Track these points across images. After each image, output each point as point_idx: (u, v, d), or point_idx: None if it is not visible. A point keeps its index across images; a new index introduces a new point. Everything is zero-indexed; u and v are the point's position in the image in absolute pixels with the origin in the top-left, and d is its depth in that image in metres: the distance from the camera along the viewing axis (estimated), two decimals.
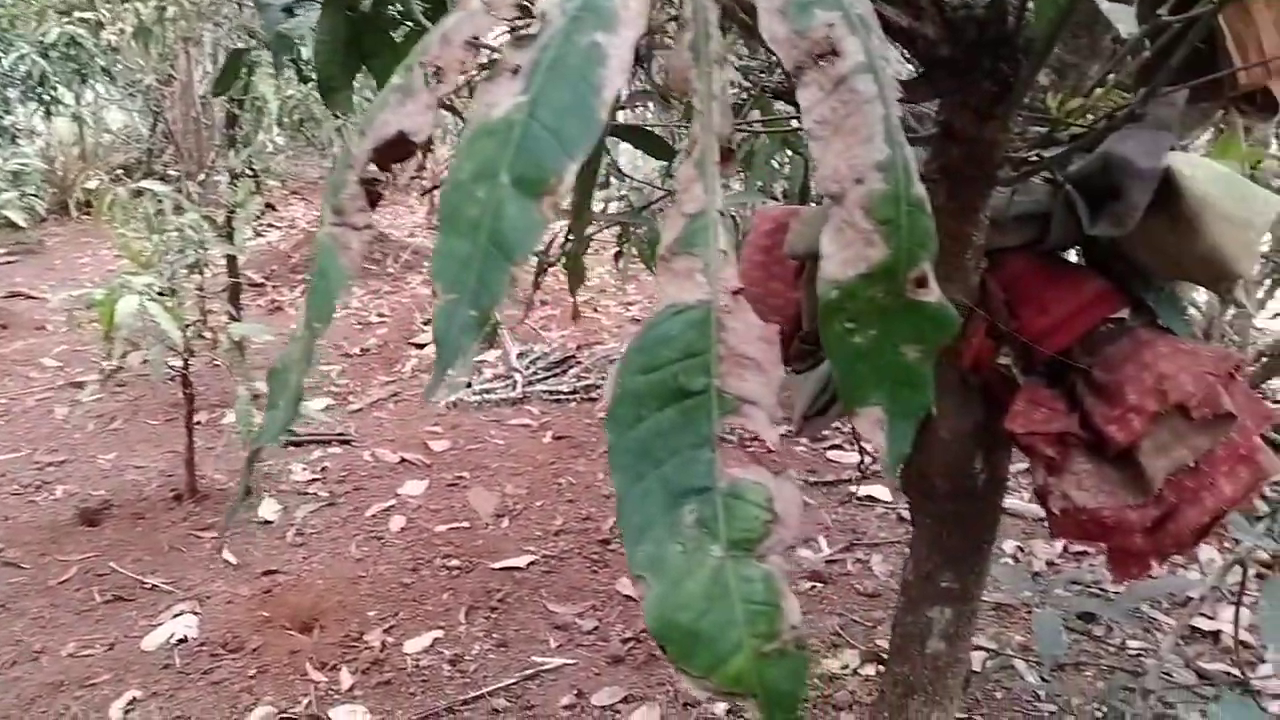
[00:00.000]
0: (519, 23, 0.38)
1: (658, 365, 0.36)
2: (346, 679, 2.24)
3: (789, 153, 2.49)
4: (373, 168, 0.43)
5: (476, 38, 0.40)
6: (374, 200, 0.44)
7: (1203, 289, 1.00)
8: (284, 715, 2.12)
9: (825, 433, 3.59)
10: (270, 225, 6.93)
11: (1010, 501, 3.06)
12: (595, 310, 5.01)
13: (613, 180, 2.66)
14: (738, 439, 0.35)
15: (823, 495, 3.19)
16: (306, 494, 3.14)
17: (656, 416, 0.36)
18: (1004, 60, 0.65)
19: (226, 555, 2.76)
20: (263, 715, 2.10)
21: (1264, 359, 3.31)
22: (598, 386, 4.06)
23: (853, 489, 3.22)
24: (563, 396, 3.89)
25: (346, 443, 3.52)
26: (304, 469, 3.29)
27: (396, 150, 0.42)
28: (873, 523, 2.97)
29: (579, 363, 4.22)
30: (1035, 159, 0.79)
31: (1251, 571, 1.61)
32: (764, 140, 2.62)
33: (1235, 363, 0.92)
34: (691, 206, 0.36)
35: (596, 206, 2.97)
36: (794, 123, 1.44)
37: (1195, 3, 0.77)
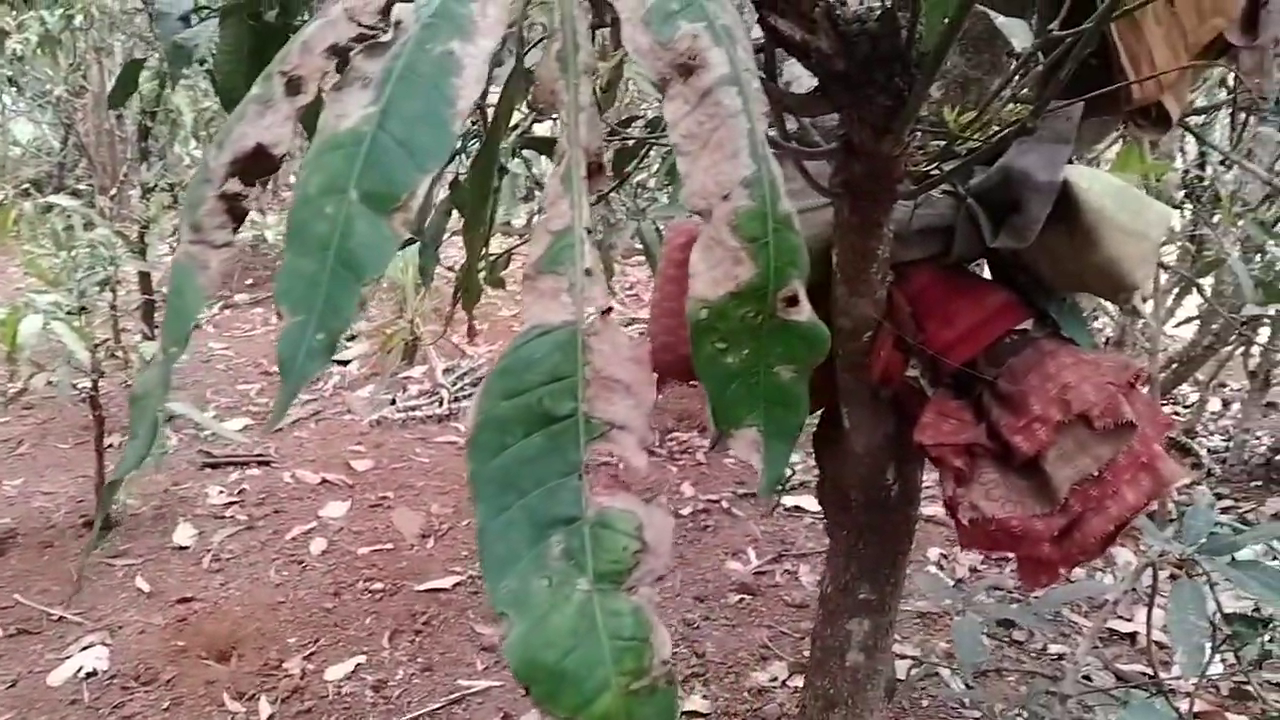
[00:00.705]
0: (374, 31, 0.36)
1: (522, 389, 0.34)
2: (265, 708, 2.16)
3: None
4: (235, 183, 0.41)
5: (337, 45, 0.38)
6: (238, 216, 0.42)
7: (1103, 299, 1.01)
8: None
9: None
10: None
11: (933, 510, 3.10)
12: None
13: (536, 193, 2.63)
14: (607, 465, 0.34)
15: (751, 506, 3.20)
16: (224, 518, 3.04)
17: (522, 443, 0.34)
18: (897, 75, 0.65)
19: (140, 583, 2.65)
20: None
21: (1174, 365, 3.43)
22: None
23: (781, 499, 3.24)
24: None
25: (266, 464, 3.42)
26: (221, 492, 3.19)
27: (257, 164, 0.40)
28: (800, 533, 2.99)
29: None
30: (935, 173, 0.79)
31: (1165, 574, 1.65)
32: None
33: (1135, 372, 0.94)
34: (557, 224, 0.35)
35: (519, 220, 2.94)
36: None
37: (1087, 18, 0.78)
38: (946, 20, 0.58)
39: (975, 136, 0.77)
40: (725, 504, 3.24)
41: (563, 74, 0.36)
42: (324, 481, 3.29)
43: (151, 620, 2.49)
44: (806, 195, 0.97)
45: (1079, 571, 2.81)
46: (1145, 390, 0.95)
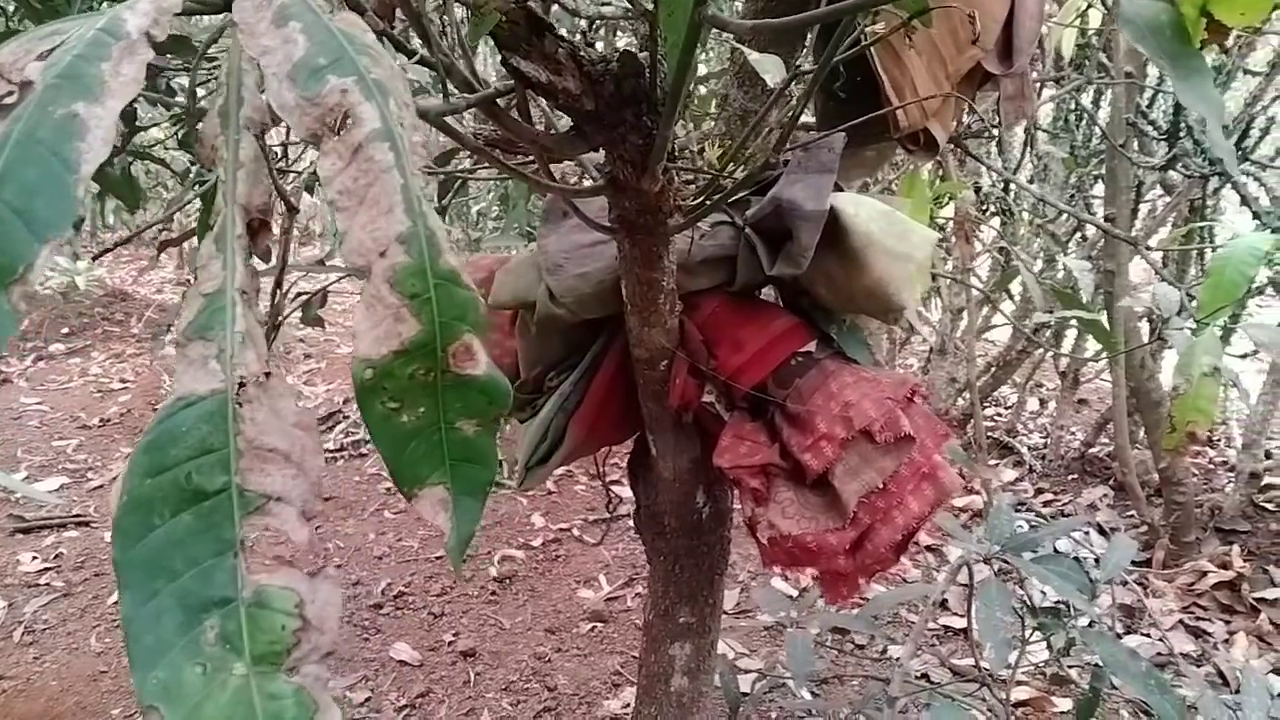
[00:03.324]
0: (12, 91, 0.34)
1: (169, 465, 0.32)
2: None
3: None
4: None
5: None
6: None
7: (875, 319, 1.06)
8: None
9: (604, 469, 3.62)
10: None
11: None
12: None
13: None
14: (266, 540, 0.32)
15: (602, 533, 3.21)
16: (38, 585, 2.82)
17: (170, 524, 0.32)
18: (645, 114, 0.66)
19: None
20: None
21: (993, 369, 3.63)
22: (367, 442, 3.90)
23: (631, 523, 3.25)
24: (329, 454, 3.71)
25: (85, 524, 3.19)
26: (34, 558, 2.96)
27: None
28: None
29: (346, 417, 4.05)
30: (702, 205, 0.81)
31: (993, 570, 1.74)
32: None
33: (912, 387, 0.98)
34: (209, 285, 0.33)
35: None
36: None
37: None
38: (681, 61, 0.60)
39: (736, 171, 0.79)
40: (576, 532, 3.23)
41: (224, 129, 0.35)
42: None
43: None
44: (592, 230, 0.98)
45: (914, 573, 2.93)
46: (922, 403, 0.99)
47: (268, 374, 0.33)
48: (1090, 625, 1.53)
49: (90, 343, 5.22)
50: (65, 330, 5.33)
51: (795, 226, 0.91)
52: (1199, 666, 2.37)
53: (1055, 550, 2.81)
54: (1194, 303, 1.60)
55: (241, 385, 0.33)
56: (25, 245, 0.30)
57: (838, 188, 0.95)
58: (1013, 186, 3.13)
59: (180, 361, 0.33)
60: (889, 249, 0.93)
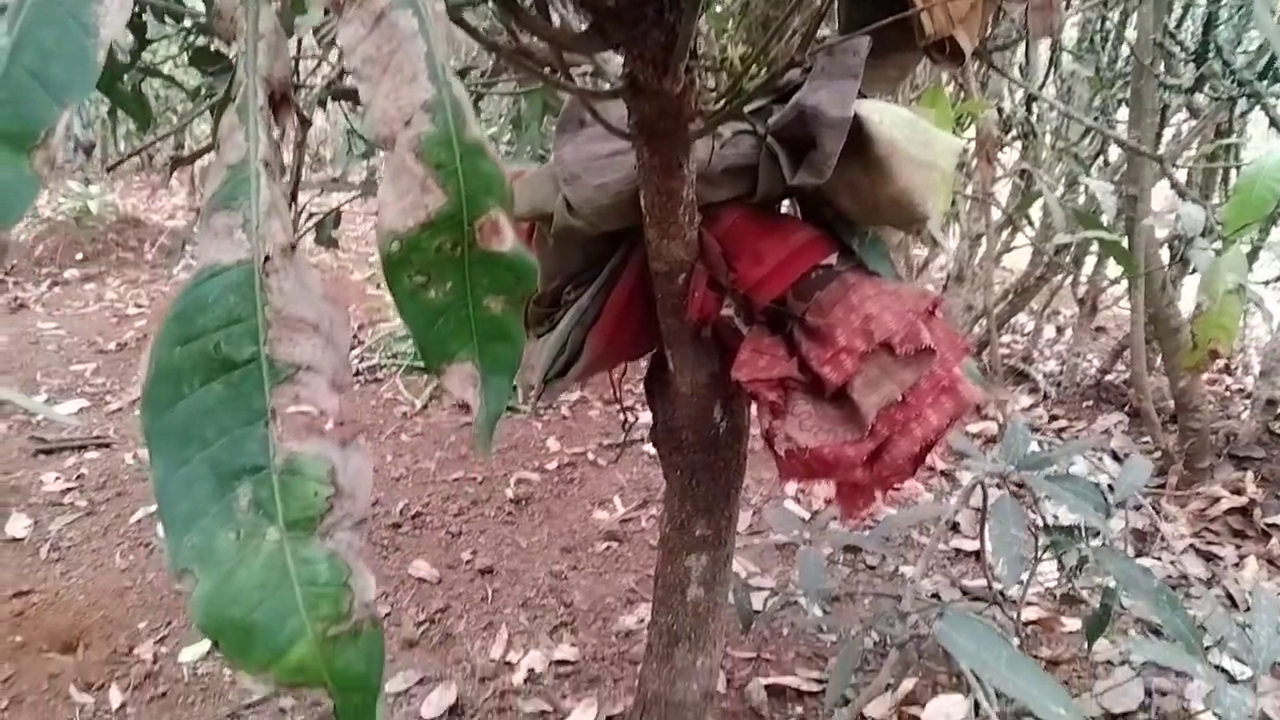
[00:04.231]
0: None
1: (196, 335, 0.32)
2: (116, 697, 2.07)
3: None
4: None
5: None
6: None
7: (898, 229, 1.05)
8: None
9: (622, 394, 3.64)
10: None
11: None
12: (378, 286, 4.83)
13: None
14: (296, 409, 0.32)
15: (616, 461, 3.24)
16: (61, 505, 2.87)
17: (200, 392, 0.32)
18: (667, 9, 0.65)
19: None
20: None
21: (1010, 297, 3.60)
22: (383, 366, 3.92)
23: (645, 448, 3.28)
24: None
25: (105, 446, 3.24)
26: (57, 478, 3.01)
27: None
28: (663, 478, 3.04)
29: (361, 343, 4.06)
30: (724, 109, 0.79)
31: (1007, 489, 1.75)
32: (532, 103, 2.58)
33: (933, 301, 0.98)
34: (233, 156, 0.33)
35: (358, 176, 2.85)
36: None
37: None
38: None
39: (759, 73, 0.78)
40: (591, 456, 3.26)
41: (242, 1, 0.34)
42: None
43: None
44: (609, 140, 0.97)
45: (927, 496, 2.95)
46: (943, 317, 0.98)
47: (293, 246, 0.33)
48: (1103, 544, 1.54)
49: (105, 269, 5.23)
50: (80, 256, 5.34)
51: (818, 134, 0.89)
52: (1209, 589, 2.39)
53: (1069, 473, 2.83)
54: (1219, 226, 1.58)
55: (268, 257, 0.32)
56: (45, 109, 0.30)
57: (862, 96, 0.93)
58: (1036, 108, 3.06)
59: (204, 233, 0.33)
60: (913, 157, 0.91)
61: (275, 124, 0.33)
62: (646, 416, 3.49)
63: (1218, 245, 1.53)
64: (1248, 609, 1.99)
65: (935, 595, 2.44)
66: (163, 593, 2.45)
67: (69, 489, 2.96)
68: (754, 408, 1.13)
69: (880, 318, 0.94)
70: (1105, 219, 2.26)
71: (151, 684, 2.12)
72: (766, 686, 2.02)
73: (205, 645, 2.24)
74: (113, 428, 3.39)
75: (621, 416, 1.43)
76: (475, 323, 0.36)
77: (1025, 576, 1.76)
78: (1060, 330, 4.15)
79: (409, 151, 0.32)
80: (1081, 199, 3.17)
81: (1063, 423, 3.38)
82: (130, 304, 4.70)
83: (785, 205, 1.12)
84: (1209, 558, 2.54)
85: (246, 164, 0.33)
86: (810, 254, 0.99)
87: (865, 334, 0.94)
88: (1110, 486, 2.15)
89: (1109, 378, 3.51)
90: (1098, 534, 1.81)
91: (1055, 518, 2.62)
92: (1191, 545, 2.58)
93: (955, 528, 2.71)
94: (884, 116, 0.92)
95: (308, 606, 0.31)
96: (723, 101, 0.80)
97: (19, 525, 2.74)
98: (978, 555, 2.58)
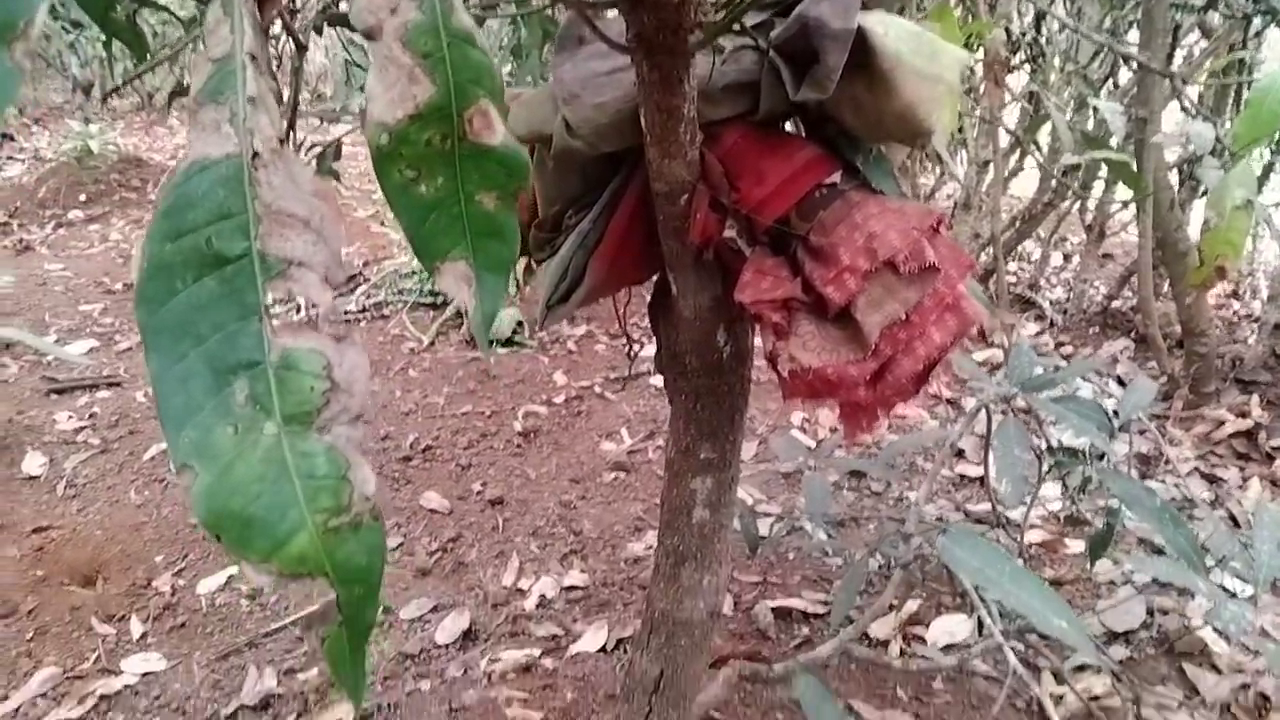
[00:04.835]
0: None
1: (187, 230, 0.32)
2: (137, 628, 2.12)
3: None
4: None
5: None
6: None
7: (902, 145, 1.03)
8: (71, 674, 1.99)
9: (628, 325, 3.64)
10: (10, 158, 6.24)
11: None
12: (383, 223, 4.81)
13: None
14: (289, 304, 0.32)
15: (623, 390, 3.25)
16: (75, 443, 2.90)
17: (193, 288, 0.32)
18: None
19: None
20: (47, 677, 1.97)
21: (1017, 224, 3.57)
22: (389, 303, 3.92)
23: (652, 381, 3.29)
24: (350, 315, 3.73)
25: (116, 385, 3.26)
26: (70, 417, 3.04)
27: None
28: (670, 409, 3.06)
29: (366, 279, 4.06)
30: (726, 20, 0.78)
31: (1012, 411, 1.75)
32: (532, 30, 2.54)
33: (938, 218, 0.96)
34: (218, 50, 0.32)
35: (357, 107, 2.82)
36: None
37: None
38: None
39: None
40: (597, 389, 3.27)
41: None
42: None
43: (5, 553, 2.39)
44: (609, 58, 0.95)
45: (931, 424, 2.96)
46: (948, 234, 0.97)
47: (282, 141, 0.32)
48: (1106, 464, 1.55)
49: (108, 209, 5.21)
50: (83, 197, 5.31)
51: (821, 47, 0.87)
52: (1213, 510, 2.41)
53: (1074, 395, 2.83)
54: (1229, 144, 1.55)
55: (256, 152, 0.32)
56: (22, 1, 0.29)
57: (865, 7, 0.91)
58: (1045, 28, 3.00)
59: (193, 127, 0.32)
60: (919, 70, 0.90)
61: (260, 16, 0.33)
62: (652, 349, 3.51)
63: (1228, 164, 1.50)
64: (1250, 528, 2.00)
65: (939, 519, 2.46)
66: (178, 527, 2.49)
67: (82, 427, 2.99)
68: (758, 330, 1.13)
69: (884, 236, 0.94)
70: (1114, 141, 2.23)
71: (170, 615, 2.17)
72: (773, 609, 2.05)
73: (222, 577, 2.29)
74: (123, 367, 3.41)
75: (627, 347, 1.43)
76: (468, 219, 0.35)
77: (1028, 499, 1.77)
78: (1067, 257, 4.12)
79: (395, 40, 0.32)
80: (1090, 123, 3.12)
81: (1069, 349, 3.38)
82: (135, 244, 4.69)
83: (788, 124, 1.10)
84: (1213, 480, 2.55)
85: (232, 57, 0.32)
86: (814, 172, 0.97)
87: (869, 252, 0.93)
88: (1115, 412, 2.16)
89: (1115, 304, 3.49)
90: (1102, 457, 1.82)
91: (1059, 443, 2.63)
92: (1196, 468, 2.60)
93: (960, 454, 2.73)
94: (888, 28, 0.90)
95: (307, 499, 0.31)
96: (723, 13, 0.78)
97: (35, 463, 2.78)
98: (982, 481, 2.60)
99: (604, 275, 1.09)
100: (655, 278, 1.23)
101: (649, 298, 1.27)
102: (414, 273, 3.96)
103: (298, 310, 0.32)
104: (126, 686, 1.93)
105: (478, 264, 0.36)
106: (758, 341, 1.18)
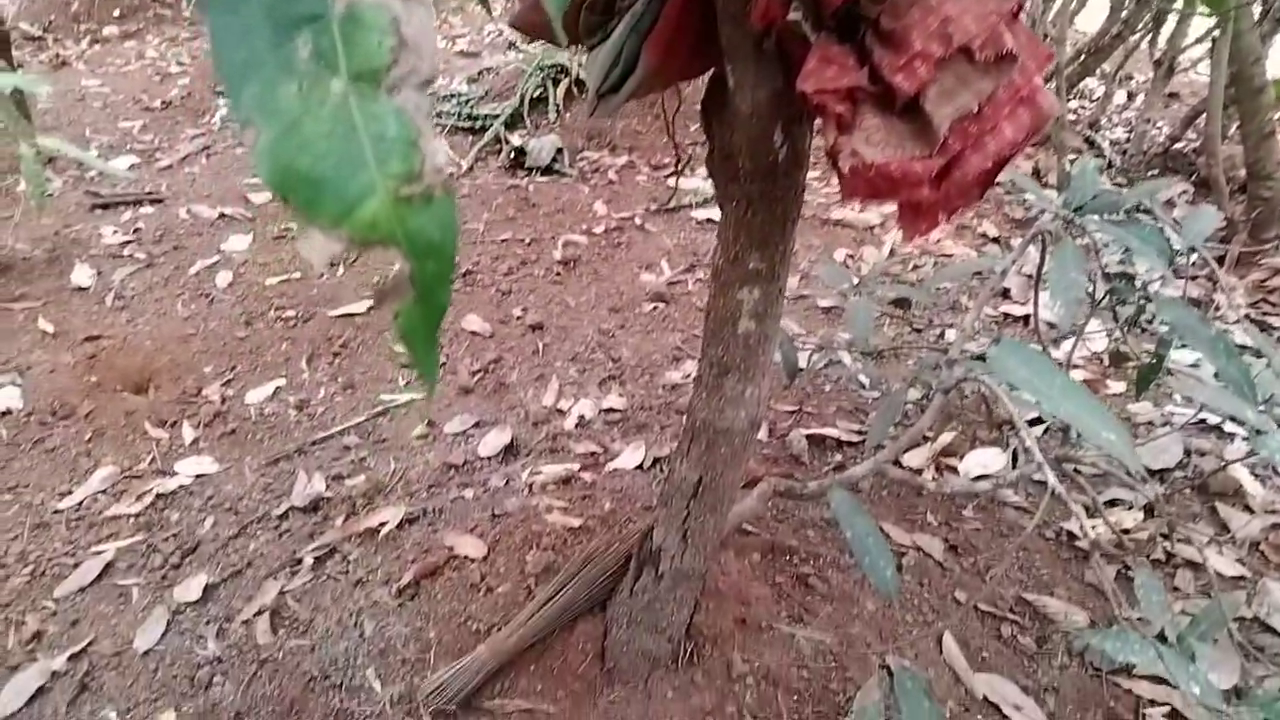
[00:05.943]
0: None
1: None
2: (189, 433, 2.19)
3: None
4: None
5: None
6: None
7: None
8: (128, 473, 2.07)
9: (666, 161, 3.56)
10: None
11: (842, 213, 3.13)
12: None
13: None
14: None
15: (664, 222, 3.20)
16: (121, 256, 2.94)
17: None
18: None
19: (43, 324, 2.59)
20: (106, 475, 2.05)
21: (1082, 57, 3.39)
22: None
23: (693, 214, 3.24)
24: None
25: (159, 201, 3.27)
26: (115, 231, 3.06)
27: None
28: (711, 243, 3.02)
29: None
30: None
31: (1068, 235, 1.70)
32: None
33: (1018, 2, 0.90)
34: None
35: None
36: None
37: None
38: None
39: None
40: (638, 220, 3.23)
41: None
42: (222, 216, 3.18)
43: (60, 359, 2.46)
44: None
45: (974, 256, 2.90)
46: (1027, 21, 0.91)
47: None
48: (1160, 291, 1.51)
49: (143, 25, 5.10)
50: (117, 13, 5.20)
51: None
52: (1259, 357, 2.37)
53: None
54: None
55: None
56: None
57: None
58: None
59: None
60: None
61: None
62: (694, 181, 3.45)
63: None
64: None
65: (981, 356, 2.44)
66: (225, 339, 2.54)
67: (127, 241, 3.01)
68: (817, 129, 1.08)
69: (960, 19, 0.88)
70: None
71: (221, 422, 2.24)
72: (807, 436, 2.07)
73: (270, 388, 2.34)
74: (165, 184, 3.41)
75: (674, 151, 1.39)
76: None
77: (1076, 333, 1.74)
78: (1131, 96, 3.93)
79: None
80: None
81: (1125, 191, 3.26)
82: (172, 62, 4.61)
83: None
84: (1264, 328, 2.50)
85: None
86: None
87: (943, 37, 0.88)
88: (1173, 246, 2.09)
89: (1178, 146, 3.35)
90: (1150, 299, 1.77)
91: (1101, 268, 2.57)
92: (1247, 314, 2.54)
93: (1005, 294, 2.68)
94: None
95: (378, 161, 0.30)
96: None
97: (84, 275, 2.82)
98: (1026, 320, 2.56)
99: (658, 62, 1.04)
100: (710, 77, 1.18)
101: (703, 95, 1.22)
102: (452, 95, 3.87)
103: None
104: (181, 486, 2.01)
105: None
106: (816, 143, 1.14)
